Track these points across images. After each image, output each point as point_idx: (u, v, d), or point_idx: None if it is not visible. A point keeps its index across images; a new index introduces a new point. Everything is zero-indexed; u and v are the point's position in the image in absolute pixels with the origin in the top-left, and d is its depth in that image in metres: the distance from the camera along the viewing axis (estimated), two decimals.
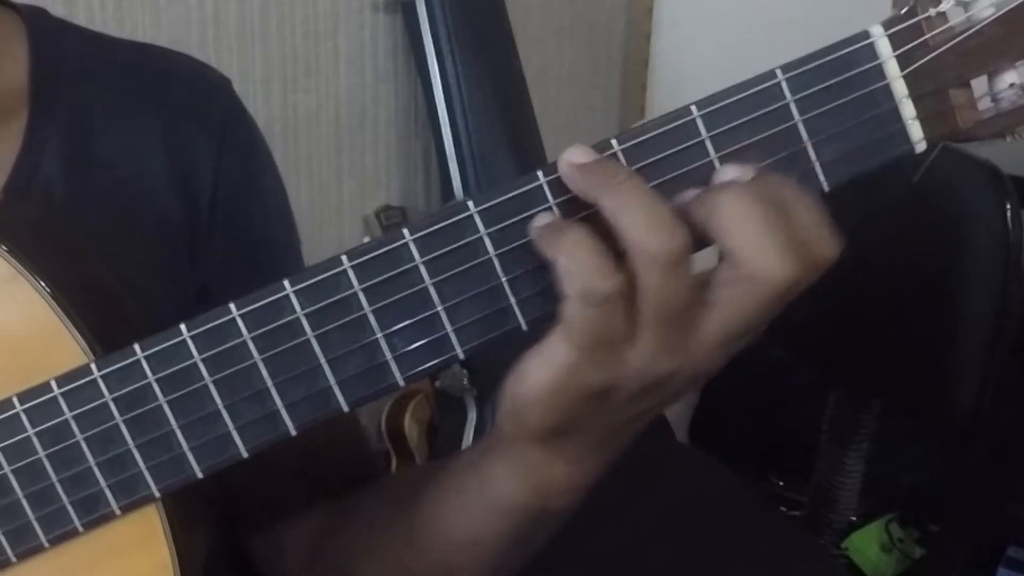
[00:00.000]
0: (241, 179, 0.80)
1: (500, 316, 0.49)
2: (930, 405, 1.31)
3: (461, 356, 0.50)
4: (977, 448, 1.79)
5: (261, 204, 0.83)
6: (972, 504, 1.80)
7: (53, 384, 0.53)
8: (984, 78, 0.45)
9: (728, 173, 0.47)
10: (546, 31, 1.90)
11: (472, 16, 1.63)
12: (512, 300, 0.49)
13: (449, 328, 0.50)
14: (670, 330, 0.46)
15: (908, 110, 0.46)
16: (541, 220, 0.48)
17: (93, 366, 0.52)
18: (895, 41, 0.46)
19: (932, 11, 0.44)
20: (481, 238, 0.49)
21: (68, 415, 0.53)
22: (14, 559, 0.56)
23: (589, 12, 1.97)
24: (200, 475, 0.53)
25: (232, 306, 0.50)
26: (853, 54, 0.46)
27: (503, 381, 0.49)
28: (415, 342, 0.50)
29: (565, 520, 0.58)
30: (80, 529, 0.55)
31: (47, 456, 0.53)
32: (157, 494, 0.54)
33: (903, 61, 0.46)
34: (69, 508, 0.54)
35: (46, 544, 0.55)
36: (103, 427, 0.53)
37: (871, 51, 0.46)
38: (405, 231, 0.49)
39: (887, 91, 0.46)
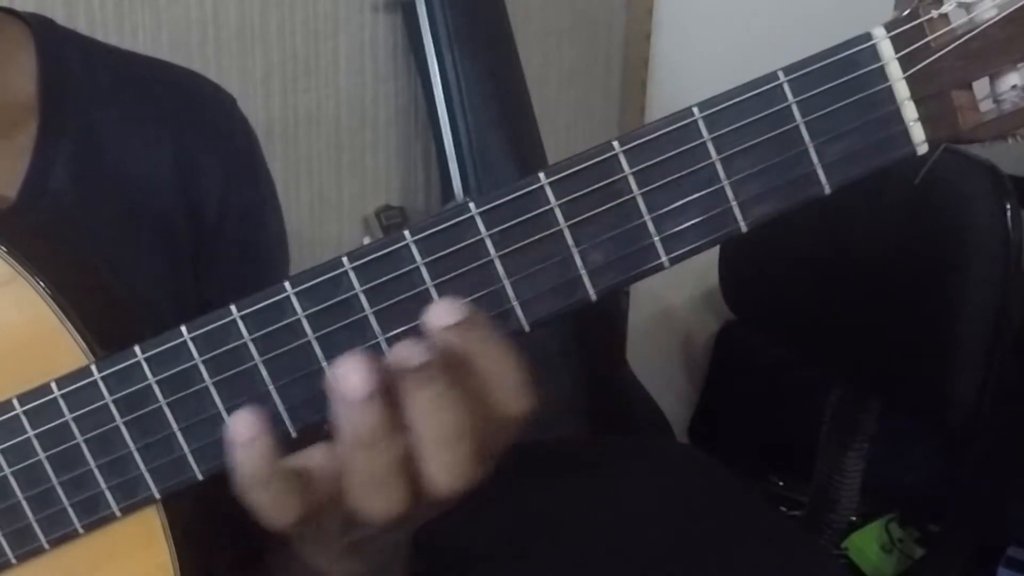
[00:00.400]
0: (246, 208, 0.81)
1: (501, 318, 0.49)
2: (930, 405, 1.31)
3: None
4: (977, 448, 1.78)
5: (263, 230, 0.84)
6: (972, 504, 1.80)
7: (53, 386, 0.53)
8: (986, 80, 0.45)
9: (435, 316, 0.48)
10: (546, 31, 1.89)
11: (472, 16, 1.63)
12: (514, 302, 0.49)
13: None
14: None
15: (910, 112, 0.46)
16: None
17: (93, 367, 0.52)
18: (897, 43, 0.46)
19: (934, 13, 0.44)
20: (483, 239, 0.49)
21: (68, 417, 0.53)
22: (14, 561, 0.56)
23: (589, 12, 1.96)
24: (200, 477, 0.53)
25: (233, 307, 0.50)
26: (855, 56, 0.46)
27: None
28: None
29: None
30: (80, 531, 0.55)
31: (47, 458, 0.53)
32: (158, 496, 0.53)
33: (905, 63, 0.46)
34: (69, 510, 0.54)
35: (46, 546, 0.55)
36: (103, 429, 0.52)
37: (873, 53, 0.46)
38: (406, 232, 0.49)
39: (889, 93, 0.46)
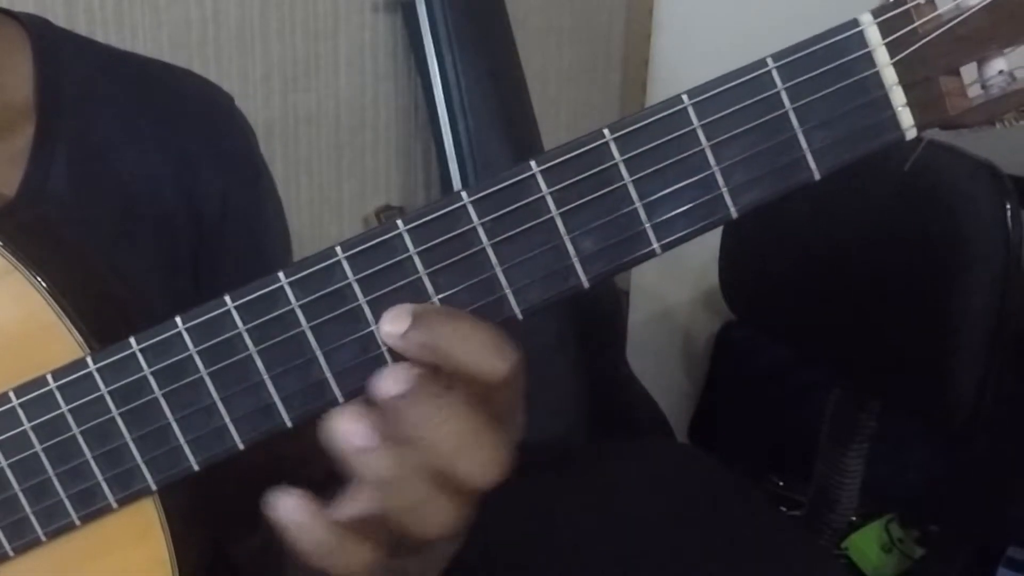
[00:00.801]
0: (246, 208, 0.81)
1: (494, 305, 0.50)
2: (930, 405, 1.31)
3: None
4: (977, 448, 1.78)
5: (265, 230, 0.84)
6: (972, 504, 1.80)
7: (49, 378, 0.53)
8: (973, 65, 0.45)
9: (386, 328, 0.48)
10: (546, 31, 1.90)
11: (472, 16, 1.63)
12: (507, 289, 0.49)
13: None
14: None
15: (898, 97, 0.46)
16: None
17: (89, 359, 0.52)
18: (884, 29, 0.46)
19: None
20: (475, 228, 0.49)
21: (64, 408, 0.53)
22: (11, 553, 0.56)
23: (589, 12, 1.97)
24: (196, 468, 0.53)
25: (227, 298, 0.51)
26: (843, 42, 0.46)
27: None
28: None
29: None
30: (77, 523, 0.55)
31: (44, 450, 0.53)
32: (154, 487, 0.54)
33: (893, 49, 0.46)
34: (66, 502, 0.54)
35: (43, 538, 0.55)
36: (99, 420, 0.53)
37: (861, 39, 0.46)
38: (399, 222, 0.49)
39: (877, 78, 0.46)
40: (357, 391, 0.51)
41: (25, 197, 0.71)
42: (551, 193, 0.48)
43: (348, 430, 0.47)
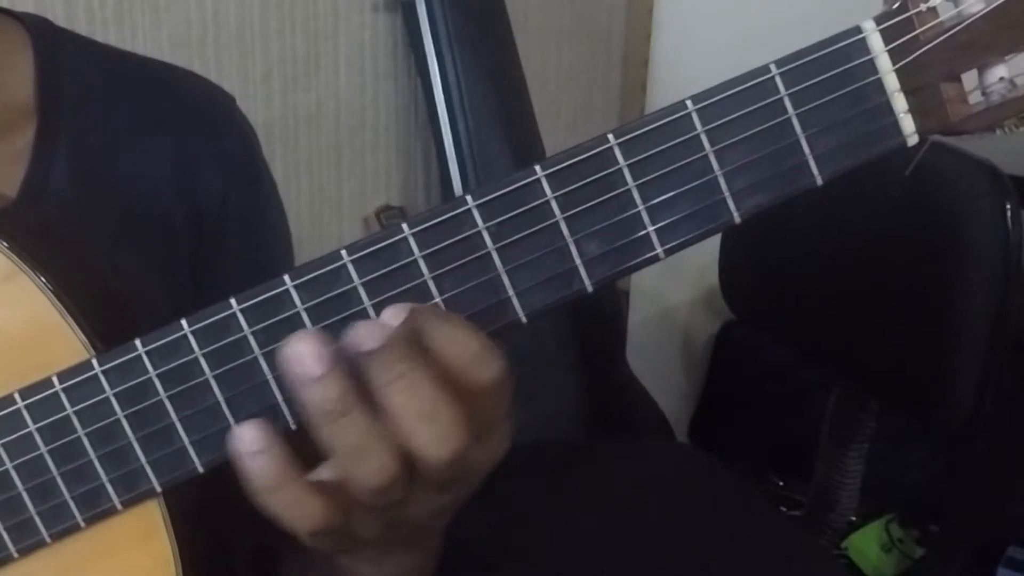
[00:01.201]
0: (246, 208, 0.81)
1: (499, 308, 0.50)
2: (930, 405, 1.31)
3: None
4: (977, 448, 1.79)
5: (265, 230, 0.84)
6: (972, 504, 1.80)
7: (54, 379, 0.53)
8: (974, 72, 0.45)
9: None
10: (546, 31, 1.90)
11: (472, 16, 1.63)
12: (511, 293, 0.50)
13: None
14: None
15: (900, 103, 0.47)
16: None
17: (94, 361, 0.52)
18: (887, 36, 0.46)
19: (923, 6, 0.45)
20: (480, 232, 0.49)
21: (69, 410, 0.53)
22: (16, 554, 0.56)
23: (589, 12, 1.97)
24: (201, 469, 0.53)
25: (233, 301, 0.51)
26: (845, 49, 0.47)
27: None
28: None
29: None
30: (82, 524, 0.55)
31: (48, 451, 0.54)
32: (158, 488, 0.54)
33: (895, 56, 0.46)
34: (71, 503, 0.54)
35: (48, 539, 0.55)
36: (104, 422, 0.53)
37: (863, 46, 0.47)
38: (404, 225, 0.49)
39: (879, 85, 0.47)
40: None
41: (26, 197, 0.71)
42: (556, 197, 0.49)
43: (308, 356, 0.46)
